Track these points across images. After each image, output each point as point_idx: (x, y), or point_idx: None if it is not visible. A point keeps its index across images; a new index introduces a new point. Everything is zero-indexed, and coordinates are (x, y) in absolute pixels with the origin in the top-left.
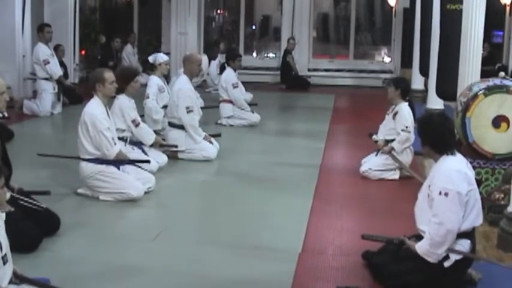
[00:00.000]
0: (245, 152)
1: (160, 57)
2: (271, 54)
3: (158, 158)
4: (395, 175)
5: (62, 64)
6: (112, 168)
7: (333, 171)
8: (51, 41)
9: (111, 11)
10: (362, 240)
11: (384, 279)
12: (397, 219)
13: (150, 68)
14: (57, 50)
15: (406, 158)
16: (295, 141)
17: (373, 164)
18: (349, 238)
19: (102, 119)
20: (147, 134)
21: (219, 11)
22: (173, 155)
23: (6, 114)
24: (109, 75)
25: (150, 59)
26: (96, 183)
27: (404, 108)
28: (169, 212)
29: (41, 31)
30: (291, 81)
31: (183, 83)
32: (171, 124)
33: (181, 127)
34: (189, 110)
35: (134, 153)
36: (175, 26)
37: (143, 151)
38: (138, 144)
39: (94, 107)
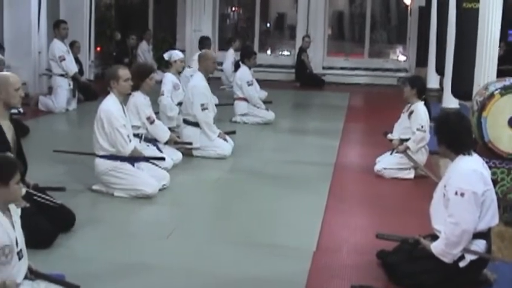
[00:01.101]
0: (259, 150)
1: (176, 55)
2: (285, 52)
3: (173, 155)
4: (410, 174)
5: (78, 61)
6: (127, 165)
7: (347, 169)
8: (67, 37)
9: (127, 8)
10: (376, 239)
11: (398, 278)
12: (412, 218)
13: (165, 65)
14: (73, 46)
15: (421, 157)
16: (310, 139)
17: (387, 162)
18: (363, 236)
19: (118, 116)
20: (161, 131)
21: (233, 8)
22: (188, 152)
23: (21, 110)
24: (123, 72)
25: (165, 56)
26: (111, 179)
27: (420, 107)
28: (183, 210)
29: (57, 28)
30: (306, 79)
31: (198, 80)
32: (185, 121)
33: (196, 124)
34: (203, 107)
35: (149, 150)
36: (190, 23)
37: (158, 148)
38: (152, 141)
39: (110, 104)
